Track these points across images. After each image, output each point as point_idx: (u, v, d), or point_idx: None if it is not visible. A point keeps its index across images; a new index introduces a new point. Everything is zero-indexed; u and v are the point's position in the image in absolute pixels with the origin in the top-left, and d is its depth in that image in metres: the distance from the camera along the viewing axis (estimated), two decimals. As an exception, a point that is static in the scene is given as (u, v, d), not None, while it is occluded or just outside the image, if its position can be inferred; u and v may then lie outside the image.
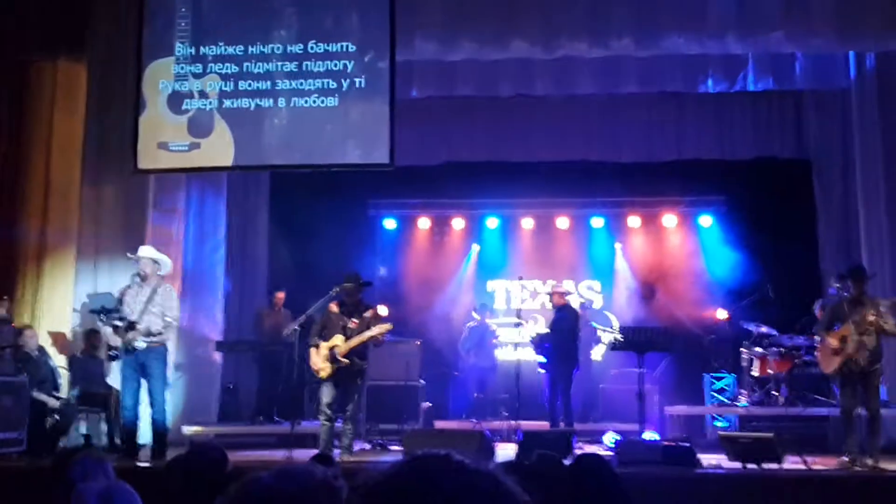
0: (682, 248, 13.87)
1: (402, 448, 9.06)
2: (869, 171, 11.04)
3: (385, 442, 10.04)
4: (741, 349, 11.46)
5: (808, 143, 12.73)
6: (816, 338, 8.77)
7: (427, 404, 11.35)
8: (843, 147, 12.06)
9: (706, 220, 13.69)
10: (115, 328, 8.55)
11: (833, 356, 8.24)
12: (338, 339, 8.86)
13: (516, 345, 11.60)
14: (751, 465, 7.85)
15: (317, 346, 8.91)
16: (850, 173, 11.73)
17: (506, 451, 8.75)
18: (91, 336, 9.99)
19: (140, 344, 8.48)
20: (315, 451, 7.66)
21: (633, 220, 13.93)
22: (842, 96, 11.81)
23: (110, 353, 8.76)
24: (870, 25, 9.88)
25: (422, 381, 11.31)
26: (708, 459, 8.13)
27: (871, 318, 8.03)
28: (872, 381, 8.22)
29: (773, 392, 10.92)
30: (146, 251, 8.91)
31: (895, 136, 10.57)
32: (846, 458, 8.05)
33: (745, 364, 11.35)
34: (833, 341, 8.21)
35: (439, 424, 11.37)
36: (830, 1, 9.76)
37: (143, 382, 8.61)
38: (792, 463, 7.95)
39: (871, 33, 10.02)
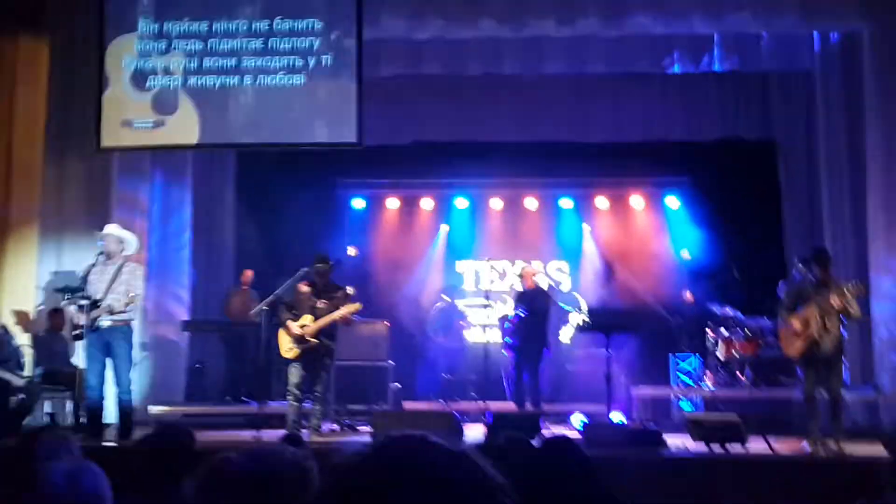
0: (648, 229, 13.93)
1: (370, 429, 9.04)
2: (833, 154, 11.08)
3: (353, 422, 10.02)
4: (706, 330, 11.53)
5: (774, 125, 12.77)
6: (780, 320, 8.79)
7: (396, 385, 11.33)
8: (807, 129, 12.11)
9: (673, 201, 13.75)
10: (80, 307, 8.46)
11: (795, 338, 8.26)
12: (307, 319, 8.84)
13: (485, 326, 11.60)
14: (716, 447, 7.94)
15: (286, 326, 8.88)
16: (815, 155, 11.77)
17: (474, 433, 8.76)
18: (55, 315, 9.88)
19: (104, 322, 8.39)
20: (283, 432, 7.64)
21: (601, 202, 13.97)
22: (807, 78, 11.82)
23: (75, 332, 8.66)
24: (834, 5, 9.95)
25: (390, 362, 11.29)
26: (674, 440, 8.20)
27: (836, 301, 8.06)
28: (836, 364, 8.27)
29: (738, 374, 11.01)
30: (111, 229, 8.81)
31: (858, 118, 10.55)
32: (809, 441, 8.14)
33: (710, 345, 11.44)
34: (796, 323, 8.25)
35: (408, 405, 11.36)
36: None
37: (109, 362, 8.54)
38: (756, 445, 8.03)
39: (835, 13, 10.10)
